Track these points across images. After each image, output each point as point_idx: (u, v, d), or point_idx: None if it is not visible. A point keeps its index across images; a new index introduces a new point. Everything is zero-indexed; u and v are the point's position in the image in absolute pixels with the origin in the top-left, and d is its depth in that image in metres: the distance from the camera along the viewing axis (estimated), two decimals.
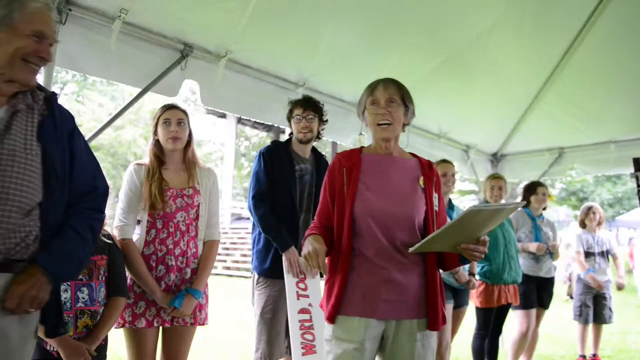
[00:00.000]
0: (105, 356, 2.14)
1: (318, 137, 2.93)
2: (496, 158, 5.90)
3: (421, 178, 1.97)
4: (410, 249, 1.77)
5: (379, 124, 1.92)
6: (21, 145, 1.40)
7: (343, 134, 4.23)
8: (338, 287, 1.83)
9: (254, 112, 3.69)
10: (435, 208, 1.98)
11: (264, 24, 3.12)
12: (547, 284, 4.39)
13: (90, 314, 2.04)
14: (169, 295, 2.34)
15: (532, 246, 4.22)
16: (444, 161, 3.78)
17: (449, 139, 5.26)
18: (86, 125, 19.35)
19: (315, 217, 2.03)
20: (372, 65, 3.70)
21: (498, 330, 3.98)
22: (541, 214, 4.50)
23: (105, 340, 2.14)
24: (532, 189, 4.49)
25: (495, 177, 4.14)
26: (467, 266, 3.58)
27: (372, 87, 1.98)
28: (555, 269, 4.63)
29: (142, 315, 2.32)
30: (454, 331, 3.64)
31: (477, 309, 3.87)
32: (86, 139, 2.83)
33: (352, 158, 1.97)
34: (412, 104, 2.00)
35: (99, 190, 1.64)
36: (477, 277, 3.78)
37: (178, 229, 2.43)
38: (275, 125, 3.88)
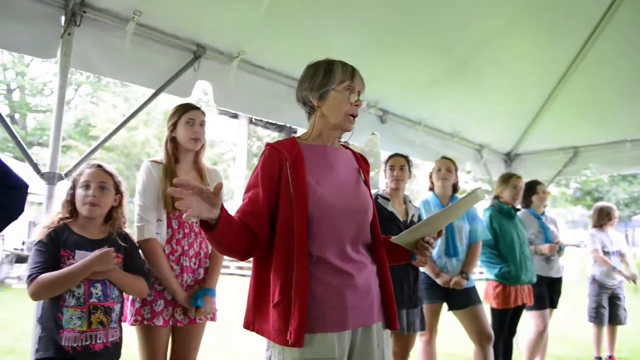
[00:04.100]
0: (119, 354, 2.15)
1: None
2: (510, 158, 5.86)
3: (361, 170, 1.85)
4: (393, 238, 1.68)
5: (352, 115, 1.74)
6: None
7: (354, 134, 4.19)
8: (300, 303, 1.51)
9: (266, 112, 3.69)
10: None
11: (276, 25, 3.12)
12: (557, 283, 4.39)
13: (103, 309, 2.04)
14: (188, 296, 2.37)
15: (545, 248, 4.20)
16: (445, 157, 3.78)
17: (462, 139, 5.24)
18: (100, 126, 19.55)
19: (235, 214, 1.63)
20: (383, 66, 3.70)
21: (512, 332, 3.95)
22: (544, 212, 4.47)
23: (120, 337, 2.15)
24: (532, 188, 4.46)
25: (519, 177, 4.07)
26: (456, 266, 3.52)
27: (351, 72, 1.75)
28: (563, 268, 4.60)
29: (160, 314, 2.33)
30: (478, 330, 3.53)
31: (493, 310, 3.84)
32: (100, 139, 2.90)
33: (292, 149, 1.69)
34: None
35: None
36: (493, 278, 3.75)
37: (192, 230, 2.44)
38: (288, 125, 3.88)
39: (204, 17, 2.95)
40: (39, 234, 2.03)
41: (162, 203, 2.38)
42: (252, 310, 1.68)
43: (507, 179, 4.07)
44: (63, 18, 2.60)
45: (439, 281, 3.43)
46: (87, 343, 1.97)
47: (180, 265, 2.40)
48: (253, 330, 1.68)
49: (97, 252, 2.03)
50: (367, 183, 1.85)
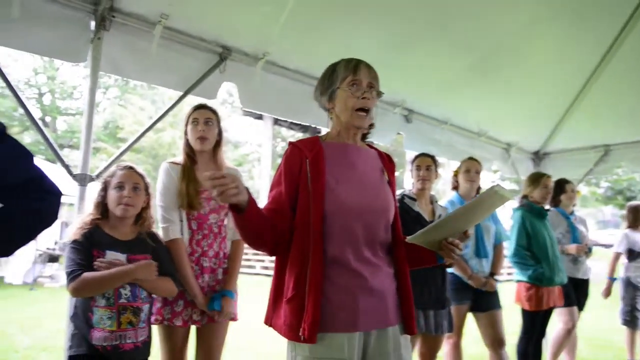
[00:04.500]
0: (149, 352, 2.18)
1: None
2: (538, 156, 5.75)
3: (385, 170, 1.82)
4: (408, 238, 1.62)
5: (359, 109, 1.70)
6: None
7: (379, 134, 4.21)
8: (314, 300, 1.54)
9: (290, 113, 3.71)
10: (397, 204, 1.85)
11: (300, 26, 3.13)
12: (583, 285, 4.29)
13: (132, 310, 2.07)
14: (206, 298, 2.39)
15: (572, 248, 4.11)
16: (471, 158, 3.73)
17: (489, 138, 5.16)
18: (128, 129, 19.90)
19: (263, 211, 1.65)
20: (408, 65, 3.68)
21: (542, 333, 3.88)
22: (572, 212, 4.37)
23: (150, 336, 2.18)
24: (560, 187, 4.36)
25: (549, 177, 3.99)
26: (485, 267, 3.48)
27: (354, 66, 1.71)
28: (591, 270, 4.49)
29: (180, 314, 2.36)
30: (493, 335, 3.51)
31: (525, 312, 3.76)
32: (129, 142, 2.95)
33: (313, 147, 1.71)
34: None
35: (32, 181, 1.61)
36: (525, 280, 3.68)
37: (212, 230, 2.46)
38: (312, 125, 3.89)
39: (229, 20, 2.98)
40: (74, 233, 2.07)
41: (181, 204, 2.40)
42: (271, 306, 1.71)
43: (537, 178, 3.98)
44: (93, 23, 2.66)
45: (472, 283, 3.39)
46: (116, 343, 2.00)
47: (200, 265, 2.42)
48: (270, 325, 1.71)
49: (142, 262, 2.08)
50: (391, 183, 1.82)
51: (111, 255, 2.06)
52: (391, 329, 1.66)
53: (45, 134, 2.56)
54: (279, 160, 1.81)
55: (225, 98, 19.89)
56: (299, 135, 24.19)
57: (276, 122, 19.25)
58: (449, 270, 3.32)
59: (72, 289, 1.98)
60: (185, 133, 2.55)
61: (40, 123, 2.61)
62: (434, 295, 2.98)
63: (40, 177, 1.64)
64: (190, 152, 2.52)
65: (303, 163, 1.67)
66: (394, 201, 1.79)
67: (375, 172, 1.80)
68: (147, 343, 2.15)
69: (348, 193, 1.65)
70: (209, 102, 2.90)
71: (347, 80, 1.70)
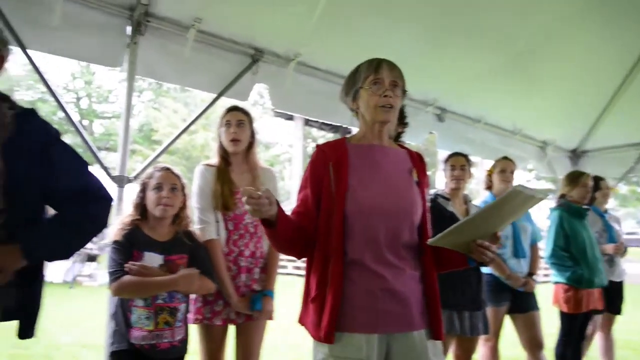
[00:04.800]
0: (186, 350, 2.21)
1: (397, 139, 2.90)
2: (576, 155, 5.60)
3: (414, 171, 1.78)
4: (429, 240, 1.58)
5: (382, 106, 1.69)
6: None
7: (411, 133, 4.17)
8: (332, 300, 1.57)
9: (322, 113, 3.73)
10: (428, 204, 1.80)
11: (331, 26, 3.14)
12: (618, 288, 4.15)
13: (169, 310, 2.11)
14: (243, 299, 2.41)
15: (610, 247, 3.99)
16: (505, 158, 3.64)
17: (524, 136, 5.06)
18: (162, 131, 20.28)
19: (290, 215, 1.69)
20: (440, 64, 3.65)
21: (581, 336, 3.77)
22: (606, 210, 4.23)
23: (187, 333, 2.21)
24: (595, 184, 4.21)
25: (589, 175, 3.87)
26: (524, 267, 3.41)
27: (375, 65, 1.71)
28: (625, 272, 4.33)
29: (219, 314, 2.39)
30: (531, 338, 3.44)
31: (563, 314, 3.66)
32: (164, 144, 3.02)
33: (338, 150, 1.73)
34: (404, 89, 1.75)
35: (89, 188, 1.68)
36: (564, 281, 3.59)
37: (247, 230, 2.48)
38: (343, 126, 3.89)
39: (261, 22, 3.01)
40: (114, 234, 2.12)
41: (217, 205, 2.43)
42: (302, 305, 1.73)
43: (577, 177, 3.86)
44: (129, 28, 2.73)
45: (510, 283, 3.32)
46: (153, 342, 2.05)
47: (237, 265, 2.44)
48: (302, 324, 1.72)
49: (184, 272, 2.11)
50: (421, 184, 1.78)
51: (149, 256, 2.10)
52: (417, 334, 1.63)
53: (85, 138, 2.64)
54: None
55: (257, 99, 20.06)
56: (329, 136, 24.18)
57: (307, 122, 19.29)
58: (486, 271, 3.26)
59: (114, 289, 2.03)
60: (219, 135, 2.57)
61: (80, 127, 2.69)
62: (469, 297, 2.93)
63: (94, 184, 1.71)
64: (224, 154, 2.54)
65: (327, 166, 1.69)
66: (423, 202, 1.75)
67: (402, 172, 1.77)
68: (184, 341, 2.18)
69: (370, 194, 1.65)
70: (241, 104, 2.93)
71: (369, 79, 1.70)
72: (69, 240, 1.60)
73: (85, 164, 1.71)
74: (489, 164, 3.96)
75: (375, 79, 1.69)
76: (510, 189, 1.45)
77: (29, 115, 1.65)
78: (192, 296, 2.38)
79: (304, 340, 5.61)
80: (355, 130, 1.90)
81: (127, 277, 2.01)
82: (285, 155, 25.98)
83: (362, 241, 1.62)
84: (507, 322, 3.48)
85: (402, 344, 1.60)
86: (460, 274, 2.85)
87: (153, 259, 2.10)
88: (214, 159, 2.57)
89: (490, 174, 3.68)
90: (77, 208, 1.60)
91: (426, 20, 3.31)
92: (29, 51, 2.47)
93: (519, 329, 3.44)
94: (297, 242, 1.67)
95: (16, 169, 1.53)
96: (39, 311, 1.67)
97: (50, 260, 1.63)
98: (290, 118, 19.64)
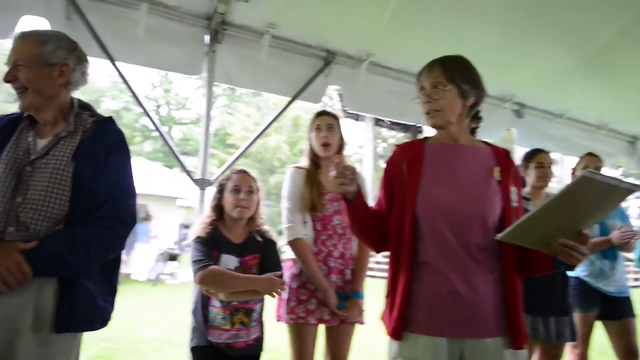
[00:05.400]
0: (262, 348, 2.26)
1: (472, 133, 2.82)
2: None
3: (496, 169, 1.69)
4: (498, 235, 1.50)
5: (427, 113, 1.69)
6: (55, 165, 1.60)
7: (487, 130, 4.04)
8: (400, 299, 1.58)
9: (395, 113, 3.70)
10: (515, 204, 1.67)
11: (404, 25, 3.09)
12: None
13: (244, 311, 2.17)
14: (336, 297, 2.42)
15: None
16: (590, 154, 3.41)
17: (611, 130, 4.74)
18: (236, 135, 20.96)
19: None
20: (517, 58, 3.50)
21: None
22: None
23: (262, 332, 2.26)
24: None
25: None
26: (617, 270, 3.15)
27: (419, 73, 1.73)
28: None
29: (313, 313, 2.41)
30: (625, 346, 3.22)
31: None
32: (240, 147, 3.11)
33: (414, 149, 1.74)
34: (470, 82, 1.68)
35: (117, 203, 1.68)
36: None
37: (335, 231, 2.50)
38: (415, 125, 3.83)
39: (332, 24, 3.03)
40: (197, 232, 2.21)
41: (305, 206, 2.47)
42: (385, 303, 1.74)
43: None
44: (207, 37, 2.84)
45: (614, 240, 3.07)
46: (230, 341, 2.12)
47: (327, 266, 2.46)
48: (382, 320, 1.73)
49: (268, 275, 2.15)
50: (504, 182, 1.69)
51: (226, 258, 2.18)
52: (491, 341, 1.54)
53: (169, 144, 2.78)
54: (380, 161, 1.83)
55: (326, 101, 20.22)
56: (399, 136, 23.91)
57: (377, 122, 19.17)
58: (573, 274, 3.09)
59: (200, 278, 2.09)
60: (309, 139, 2.62)
61: (165, 133, 2.84)
62: (554, 301, 2.78)
63: (124, 203, 1.71)
64: (314, 158, 2.59)
65: (401, 165, 1.70)
66: (503, 202, 1.66)
67: (481, 171, 1.69)
68: (259, 340, 2.24)
69: (440, 195, 1.62)
70: (314, 106, 2.96)
71: (418, 87, 1.72)
72: (75, 261, 1.57)
73: (128, 179, 1.75)
74: (570, 161, 3.76)
75: (420, 86, 1.70)
76: (575, 179, 1.33)
77: (107, 122, 1.76)
78: (284, 295, 2.43)
79: (377, 339, 5.58)
80: (427, 128, 1.87)
81: (213, 267, 2.08)
82: (356, 156, 25.99)
83: (431, 242, 1.60)
84: (598, 329, 3.28)
85: (474, 351, 1.54)
86: (545, 277, 2.72)
87: (229, 261, 2.17)
88: (304, 162, 2.62)
89: (574, 171, 3.49)
90: (96, 221, 1.62)
91: (500, 14, 3.19)
92: (117, 63, 2.64)
93: (612, 337, 3.23)
94: (374, 230, 1.73)
95: (85, 173, 1.62)
96: (80, 302, 1.60)
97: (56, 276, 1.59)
98: (359, 119, 19.61)
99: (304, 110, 20.73)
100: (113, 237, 1.67)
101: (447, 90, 1.65)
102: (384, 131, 24.06)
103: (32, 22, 2.26)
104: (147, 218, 12.02)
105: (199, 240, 2.17)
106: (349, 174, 1.59)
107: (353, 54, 3.27)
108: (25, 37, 1.66)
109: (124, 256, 11.12)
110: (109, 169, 1.67)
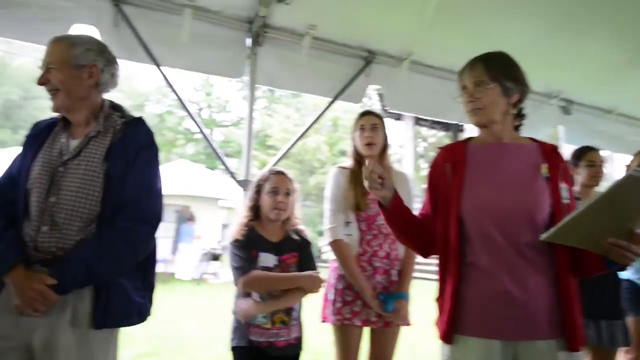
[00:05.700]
0: (302, 347, 2.27)
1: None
2: None
3: (544, 166, 1.64)
4: (543, 236, 1.46)
5: (469, 112, 1.67)
6: (87, 166, 1.63)
7: (532, 127, 3.92)
8: (449, 302, 1.57)
9: (436, 111, 3.67)
10: (566, 200, 1.61)
11: (445, 23, 3.05)
12: None
13: (284, 310, 2.18)
14: (378, 300, 2.40)
15: None
16: None
17: None
18: (276, 136, 21.14)
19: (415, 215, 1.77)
20: (564, 54, 3.41)
21: None
22: None
23: (302, 331, 2.27)
24: None
25: None
26: None
27: (460, 73, 1.72)
28: None
29: (358, 314, 2.41)
30: None
31: None
32: (280, 149, 3.14)
33: (456, 151, 1.73)
34: (513, 79, 1.65)
35: (141, 204, 1.68)
36: None
37: (381, 231, 2.48)
38: (457, 123, 3.78)
39: (373, 24, 3.02)
40: (235, 233, 2.24)
41: (349, 206, 2.47)
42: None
43: None
44: (248, 40, 2.88)
45: None
46: (271, 340, 2.14)
47: (372, 266, 2.45)
48: (435, 324, 1.71)
49: (310, 273, 2.19)
50: (553, 179, 1.64)
51: (264, 257, 2.19)
52: (544, 343, 1.50)
53: (213, 146, 2.84)
54: (420, 161, 1.82)
55: (365, 101, 20.15)
56: (440, 135, 23.57)
57: (417, 122, 18.96)
58: (624, 276, 2.97)
59: (244, 283, 2.12)
60: (353, 139, 2.62)
61: (208, 135, 2.90)
62: (606, 304, 2.68)
63: (150, 202, 1.73)
64: (358, 157, 2.58)
65: (444, 166, 1.69)
66: (553, 199, 1.61)
67: (526, 168, 1.65)
68: (300, 339, 2.25)
69: (484, 195, 1.60)
70: (354, 107, 2.95)
71: (460, 86, 1.70)
72: (105, 269, 1.59)
73: (154, 178, 1.76)
74: (620, 158, 3.61)
75: (462, 85, 1.68)
76: (621, 178, 1.29)
77: (136, 123, 1.79)
78: (330, 296, 2.45)
79: (420, 340, 5.53)
80: (469, 127, 1.83)
81: (255, 272, 2.12)
82: (396, 156, 25.80)
83: (478, 243, 1.57)
84: None
85: (527, 353, 1.50)
86: (595, 278, 2.63)
87: (268, 259, 2.19)
88: (348, 162, 2.62)
89: (629, 168, 3.36)
90: (120, 223, 1.63)
91: (545, 8, 3.10)
92: (162, 68, 2.71)
93: None
94: (416, 236, 1.74)
95: (116, 174, 1.65)
96: (115, 299, 1.63)
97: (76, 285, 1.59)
98: (399, 118, 19.44)
99: (344, 110, 20.71)
100: (139, 239, 1.69)
101: (489, 88, 1.63)
102: (424, 130, 23.74)
103: (82, 31, 2.34)
104: (191, 219, 12.27)
105: (237, 244, 2.20)
106: (377, 179, 1.59)
107: (394, 53, 3.25)
108: (57, 41, 1.71)
109: (169, 256, 11.31)
110: (136, 168, 1.70)
